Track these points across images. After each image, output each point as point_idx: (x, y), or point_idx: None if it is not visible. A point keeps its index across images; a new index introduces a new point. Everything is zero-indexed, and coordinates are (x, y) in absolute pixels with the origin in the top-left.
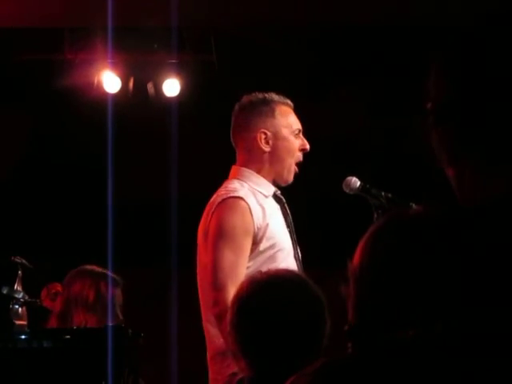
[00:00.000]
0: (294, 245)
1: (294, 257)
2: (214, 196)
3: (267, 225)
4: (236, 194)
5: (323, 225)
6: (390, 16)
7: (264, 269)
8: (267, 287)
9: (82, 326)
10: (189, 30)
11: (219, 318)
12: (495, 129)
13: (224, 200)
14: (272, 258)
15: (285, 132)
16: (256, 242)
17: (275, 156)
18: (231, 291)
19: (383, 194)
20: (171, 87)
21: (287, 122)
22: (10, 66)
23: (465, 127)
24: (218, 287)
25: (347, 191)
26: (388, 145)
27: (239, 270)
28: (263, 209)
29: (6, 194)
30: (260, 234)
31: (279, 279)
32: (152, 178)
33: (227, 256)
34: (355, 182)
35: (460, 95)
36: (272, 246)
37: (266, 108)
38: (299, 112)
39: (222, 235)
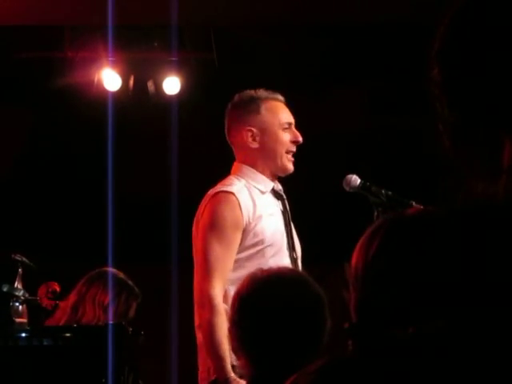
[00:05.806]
0: (290, 242)
1: (290, 255)
2: (210, 190)
3: (258, 218)
4: (227, 189)
5: (323, 222)
6: (390, 15)
7: (252, 263)
8: (268, 285)
9: (94, 320)
10: (189, 28)
11: (200, 306)
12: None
13: (216, 194)
14: (260, 252)
15: (272, 127)
16: (245, 236)
17: (265, 151)
18: (215, 283)
19: (383, 191)
20: (171, 85)
21: (274, 117)
22: (10, 64)
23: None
24: (203, 277)
25: (347, 189)
26: (388, 143)
27: (226, 262)
28: (255, 204)
29: (6, 192)
30: (249, 228)
31: (280, 277)
32: (152, 175)
33: (215, 248)
34: (355, 179)
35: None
36: (261, 241)
37: (252, 105)
38: (299, 111)
39: (211, 227)
